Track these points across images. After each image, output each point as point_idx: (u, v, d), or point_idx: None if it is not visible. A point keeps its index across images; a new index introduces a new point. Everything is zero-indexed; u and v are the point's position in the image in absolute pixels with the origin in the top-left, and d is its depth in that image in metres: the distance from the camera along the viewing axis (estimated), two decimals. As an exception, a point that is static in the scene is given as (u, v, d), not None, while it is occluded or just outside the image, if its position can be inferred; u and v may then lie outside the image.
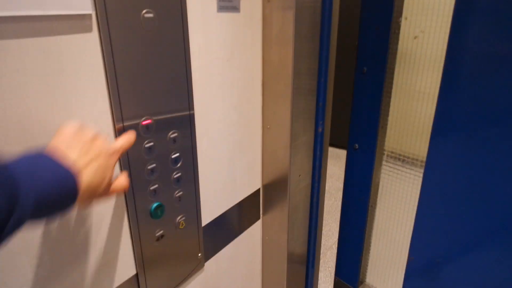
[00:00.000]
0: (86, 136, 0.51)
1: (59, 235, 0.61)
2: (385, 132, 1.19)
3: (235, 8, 0.86)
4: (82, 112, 0.60)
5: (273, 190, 1.13)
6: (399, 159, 1.17)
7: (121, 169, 0.68)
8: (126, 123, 0.67)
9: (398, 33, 1.00)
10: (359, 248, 1.39)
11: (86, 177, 0.46)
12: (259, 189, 1.13)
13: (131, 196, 0.71)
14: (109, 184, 0.54)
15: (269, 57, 0.98)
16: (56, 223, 0.60)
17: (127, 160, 0.68)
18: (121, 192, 0.69)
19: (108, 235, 0.70)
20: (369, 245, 1.40)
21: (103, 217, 0.68)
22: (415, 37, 0.94)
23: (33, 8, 0.50)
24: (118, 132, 0.66)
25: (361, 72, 1.15)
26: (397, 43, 1.03)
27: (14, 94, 0.51)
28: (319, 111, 1.11)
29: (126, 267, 0.74)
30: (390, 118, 1.15)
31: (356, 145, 1.24)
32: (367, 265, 1.44)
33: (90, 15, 0.57)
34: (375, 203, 1.32)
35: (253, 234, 1.16)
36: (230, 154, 0.97)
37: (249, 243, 1.15)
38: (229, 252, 1.06)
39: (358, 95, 1.19)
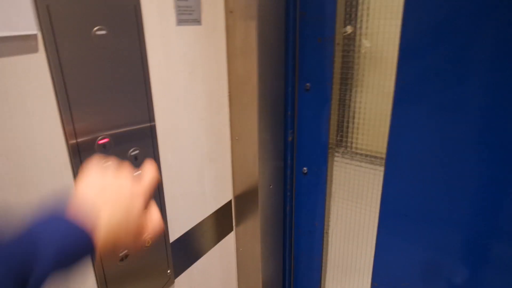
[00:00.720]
0: (108, 177, 0.47)
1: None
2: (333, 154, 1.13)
3: (196, 21, 0.86)
4: (32, 132, 0.58)
5: (244, 201, 1.12)
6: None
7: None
8: (80, 139, 0.65)
9: (342, 45, 0.96)
10: (318, 277, 1.31)
11: (105, 223, 0.43)
12: (230, 201, 1.11)
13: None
14: (140, 228, 0.47)
15: (234, 68, 0.97)
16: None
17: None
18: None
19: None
20: (325, 275, 1.33)
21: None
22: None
23: (-31, 31, 0.48)
24: (72, 150, 0.64)
25: (302, 89, 1.07)
26: (341, 56, 0.97)
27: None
28: (288, 120, 1.11)
29: (88, 290, 0.72)
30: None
31: (305, 168, 1.17)
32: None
33: (35, 35, 0.55)
34: (329, 231, 1.25)
35: (226, 246, 1.14)
36: (198, 167, 0.96)
37: (222, 256, 1.14)
38: (202, 265, 1.05)
39: (302, 113, 1.10)
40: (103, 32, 0.65)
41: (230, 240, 1.15)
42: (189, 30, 0.84)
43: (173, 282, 0.94)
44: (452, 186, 0.89)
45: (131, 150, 0.75)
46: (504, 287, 0.91)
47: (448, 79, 0.82)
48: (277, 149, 1.11)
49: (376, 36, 0.90)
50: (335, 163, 1.13)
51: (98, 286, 0.74)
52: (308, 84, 1.04)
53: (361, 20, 0.92)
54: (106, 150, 0.70)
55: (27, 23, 0.54)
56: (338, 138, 1.08)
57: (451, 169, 0.88)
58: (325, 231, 1.23)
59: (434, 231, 0.96)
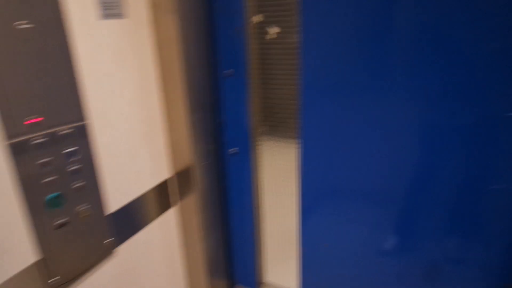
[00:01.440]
0: None
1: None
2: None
3: (120, 15, 0.96)
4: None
5: (182, 179, 1.24)
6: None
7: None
8: (17, 140, 0.75)
9: (255, 33, 1.09)
10: (252, 251, 1.44)
11: None
12: (169, 178, 1.23)
13: (24, 186, 0.79)
14: None
15: (160, 57, 1.09)
16: None
17: (15, 149, 0.76)
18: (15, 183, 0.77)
19: (2, 225, 0.77)
20: (260, 245, 1.46)
21: (-3, 209, 0.75)
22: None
23: None
24: (13, 152, 0.73)
25: (223, 75, 1.20)
26: (256, 43, 1.12)
27: None
28: (217, 104, 1.23)
29: (26, 254, 0.82)
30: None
31: (234, 149, 1.30)
32: (262, 265, 1.51)
33: (-40, 28, 0.65)
34: (259, 204, 1.40)
35: (167, 220, 1.26)
36: (133, 146, 1.06)
37: (164, 229, 1.25)
38: (143, 237, 1.16)
39: (226, 97, 1.23)
40: (26, 26, 0.74)
41: (171, 214, 1.27)
42: (114, 23, 0.94)
43: (111, 252, 1.04)
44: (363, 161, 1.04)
45: (63, 127, 0.85)
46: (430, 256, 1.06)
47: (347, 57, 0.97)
48: (208, 130, 1.24)
49: (282, 24, 1.04)
50: (259, 142, 1.26)
51: (39, 251, 0.84)
52: (231, 70, 1.17)
53: (269, 10, 1.05)
54: (37, 129, 0.80)
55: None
56: (260, 118, 1.22)
57: (358, 144, 1.03)
58: (255, 205, 1.37)
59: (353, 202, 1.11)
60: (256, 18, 1.06)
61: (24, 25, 0.74)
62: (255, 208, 1.38)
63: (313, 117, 1.06)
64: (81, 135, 0.89)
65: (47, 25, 0.78)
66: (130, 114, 1.03)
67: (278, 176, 1.29)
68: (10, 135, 0.75)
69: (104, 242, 1.01)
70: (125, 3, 0.96)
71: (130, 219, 1.10)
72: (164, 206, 1.24)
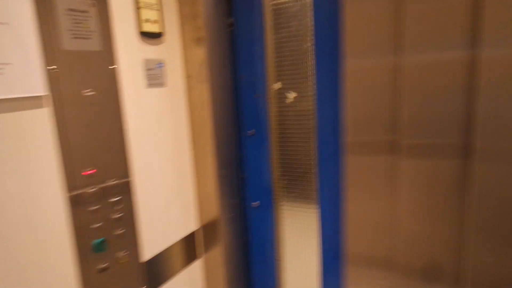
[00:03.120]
0: None
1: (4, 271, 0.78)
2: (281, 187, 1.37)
3: (162, 84, 1.14)
4: (38, 183, 0.80)
5: (209, 231, 1.32)
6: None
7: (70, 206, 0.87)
8: (75, 192, 0.88)
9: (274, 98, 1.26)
10: None
11: None
12: (196, 230, 1.31)
13: (76, 231, 0.89)
14: None
15: (193, 119, 1.24)
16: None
17: (72, 197, 0.87)
18: (66, 229, 0.87)
19: (55, 267, 0.86)
20: None
21: (50, 250, 0.85)
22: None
23: (3, 93, 0.73)
24: (70, 201, 0.86)
25: (246, 135, 1.35)
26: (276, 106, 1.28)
27: (-13, 153, 0.71)
28: (240, 160, 1.36)
29: (74, 294, 0.89)
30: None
31: (256, 203, 1.39)
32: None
33: (46, 96, 0.81)
34: (280, 257, 1.43)
35: (194, 271, 1.32)
36: (166, 199, 1.17)
37: (191, 279, 1.30)
38: (172, 286, 1.21)
39: (248, 154, 1.37)
40: (91, 93, 0.91)
41: (197, 265, 1.33)
42: (156, 91, 1.11)
43: (145, 298, 1.10)
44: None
45: (111, 180, 0.97)
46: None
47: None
48: (233, 184, 1.35)
49: (299, 90, 1.21)
50: (279, 196, 1.36)
51: (82, 291, 0.91)
52: (252, 130, 1.32)
53: (287, 78, 1.22)
54: (92, 180, 0.92)
55: (38, 87, 0.79)
56: (280, 174, 1.34)
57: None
58: (276, 258, 1.43)
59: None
60: (276, 86, 1.24)
61: (88, 92, 0.90)
62: (276, 261, 1.43)
63: (330, 179, 1.18)
64: (125, 187, 1.01)
65: (105, 92, 0.94)
66: (165, 169, 1.16)
67: (300, 230, 1.37)
68: (70, 188, 0.87)
69: (139, 288, 1.07)
70: (165, 75, 1.14)
71: (161, 269, 1.17)
72: (190, 257, 1.31)
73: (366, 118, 1.07)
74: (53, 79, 0.82)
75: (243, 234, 1.44)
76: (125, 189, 1.01)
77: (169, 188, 1.18)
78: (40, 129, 0.80)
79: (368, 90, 1.05)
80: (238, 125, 1.34)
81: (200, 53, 1.19)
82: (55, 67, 0.82)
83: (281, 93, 1.25)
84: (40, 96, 0.80)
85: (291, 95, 1.23)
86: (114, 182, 0.98)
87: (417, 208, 1.07)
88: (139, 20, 1.03)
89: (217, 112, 1.24)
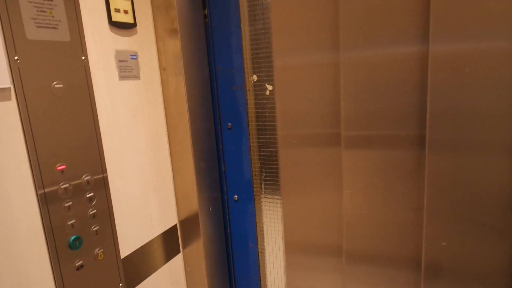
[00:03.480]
0: None
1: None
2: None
3: (136, 77, 1.11)
4: (6, 180, 0.77)
5: (188, 225, 1.31)
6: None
7: (39, 203, 0.84)
8: (47, 190, 0.84)
9: (253, 90, 1.25)
10: None
11: None
12: (175, 225, 1.29)
13: (49, 229, 0.86)
14: None
15: (170, 112, 1.22)
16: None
17: (44, 195, 0.84)
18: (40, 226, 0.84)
19: (29, 266, 0.83)
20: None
21: (24, 249, 0.82)
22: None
23: (-37, 85, 0.69)
24: (42, 198, 0.83)
25: (225, 127, 1.34)
26: (253, 99, 1.27)
27: None
28: (220, 154, 1.34)
29: (48, 294, 0.87)
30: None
31: (236, 196, 1.39)
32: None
33: (9, 88, 0.77)
34: (263, 251, 1.44)
35: (175, 266, 1.30)
36: (144, 193, 1.15)
37: (172, 275, 1.28)
38: (152, 282, 1.19)
39: (227, 148, 1.36)
40: (60, 85, 0.88)
41: (178, 260, 1.31)
42: (130, 83, 1.09)
43: (125, 295, 1.08)
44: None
45: (84, 175, 0.94)
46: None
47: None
48: (212, 178, 1.33)
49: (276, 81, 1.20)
50: (258, 189, 1.36)
51: (57, 290, 0.88)
52: (229, 124, 1.31)
53: (264, 71, 1.21)
54: (63, 176, 0.89)
55: (2, 78, 0.76)
56: (259, 168, 1.33)
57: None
58: (259, 251, 1.42)
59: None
60: (253, 78, 1.22)
61: (57, 85, 0.87)
62: (258, 253, 1.43)
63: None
64: (100, 182, 0.98)
65: (75, 85, 0.91)
66: (142, 164, 1.14)
67: (280, 221, 1.36)
68: (41, 184, 0.84)
69: (119, 286, 1.05)
70: (139, 67, 1.12)
71: (140, 265, 1.15)
72: (171, 252, 1.29)
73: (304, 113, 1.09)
74: (17, 70, 0.78)
75: (224, 227, 1.42)
76: (100, 185, 0.99)
77: (146, 183, 1.16)
78: (5, 123, 0.77)
79: (305, 86, 1.07)
80: (216, 118, 1.32)
81: (174, 45, 1.17)
82: (19, 58, 0.79)
83: (259, 85, 1.24)
84: (5, 88, 0.76)
85: (269, 87, 1.22)
86: (88, 178, 0.95)
87: (365, 196, 1.10)
88: (109, 10, 1.00)
89: (194, 105, 1.22)
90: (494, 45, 0.88)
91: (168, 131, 1.24)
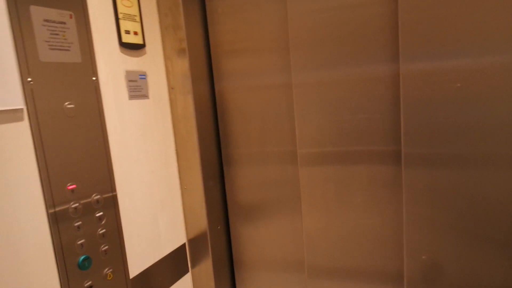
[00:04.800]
0: None
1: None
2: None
3: (145, 96, 1.12)
4: (17, 199, 0.77)
5: (197, 244, 1.29)
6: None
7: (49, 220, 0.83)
8: (57, 209, 0.85)
9: None
10: None
11: None
12: (184, 244, 1.28)
13: (59, 248, 0.86)
14: None
15: (178, 131, 1.23)
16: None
17: (54, 214, 0.84)
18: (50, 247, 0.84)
19: (38, 286, 0.82)
20: None
21: (34, 269, 0.81)
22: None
23: (-22, 107, 0.70)
24: (52, 218, 0.83)
25: None
26: None
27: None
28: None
29: (57, 315, 0.85)
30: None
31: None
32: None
33: (21, 109, 0.79)
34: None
35: (183, 286, 1.28)
36: (152, 212, 1.15)
37: (180, 296, 1.27)
38: (161, 304, 1.17)
39: None
40: (72, 105, 0.89)
41: (187, 279, 1.29)
42: (139, 103, 1.10)
43: (134, 317, 1.06)
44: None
45: (94, 194, 0.94)
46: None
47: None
48: (220, 195, 1.33)
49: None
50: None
51: (66, 311, 0.87)
52: (239, 139, 1.31)
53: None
54: (74, 195, 0.89)
55: (16, 100, 0.77)
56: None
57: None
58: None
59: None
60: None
61: (68, 105, 0.89)
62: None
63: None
64: (109, 201, 0.98)
65: (86, 105, 0.93)
66: (151, 183, 1.14)
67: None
68: (51, 204, 0.84)
69: (126, 306, 1.03)
70: (148, 86, 1.13)
71: (149, 285, 1.13)
72: (180, 271, 1.27)
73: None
74: (30, 92, 0.80)
75: (233, 246, 1.41)
76: (109, 204, 0.99)
77: (155, 202, 1.16)
78: (18, 143, 0.78)
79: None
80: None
81: (183, 64, 1.19)
82: (32, 79, 0.80)
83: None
84: (18, 109, 0.78)
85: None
86: (98, 197, 0.95)
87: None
88: (119, 31, 1.02)
89: (202, 124, 1.22)
90: (461, 63, 0.93)
91: (176, 150, 1.24)
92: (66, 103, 0.88)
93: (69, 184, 0.88)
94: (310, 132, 1.13)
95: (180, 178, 1.26)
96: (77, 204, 0.90)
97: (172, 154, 1.23)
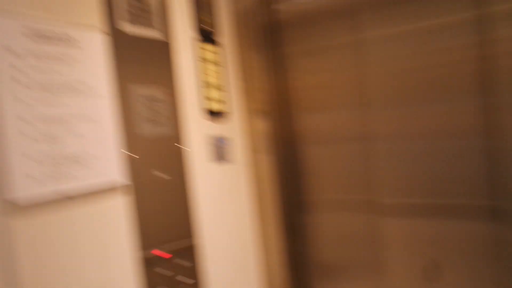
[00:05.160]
0: None
1: None
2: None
3: (228, 159, 1.15)
4: (114, 263, 0.81)
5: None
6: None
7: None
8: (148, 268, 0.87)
9: None
10: None
11: None
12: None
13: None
14: None
15: (258, 192, 1.22)
16: None
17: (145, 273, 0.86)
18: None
19: None
20: None
21: None
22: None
23: (88, 183, 0.77)
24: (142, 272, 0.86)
25: None
26: None
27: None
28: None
29: None
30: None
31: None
32: None
33: (122, 182, 0.84)
34: None
35: None
36: (231, 274, 1.13)
37: None
38: None
39: None
40: (162, 174, 0.93)
41: None
42: (222, 166, 1.12)
43: None
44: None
45: (178, 253, 0.96)
46: None
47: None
48: (299, 257, 1.27)
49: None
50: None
51: None
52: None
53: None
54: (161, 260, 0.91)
55: (115, 175, 0.83)
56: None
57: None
58: None
59: None
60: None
61: (160, 173, 0.93)
62: None
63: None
64: (192, 260, 0.99)
65: (175, 172, 0.97)
66: (230, 242, 1.13)
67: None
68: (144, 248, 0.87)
69: None
70: (230, 150, 1.16)
71: None
72: None
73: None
74: (129, 165, 0.86)
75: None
76: (192, 262, 0.99)
77: (233, 261, 1.14)
78: (117, 213, 0.83)
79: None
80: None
81: (264, 126, 1.21)
82: (132, 154, 0.86)
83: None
84: (118, 182, 0.83)
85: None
86: (184, 260, 0.96)
87: None
88: (206, 101, 1.07)
89: (283, 185, 1.21)
90: None
91: (256, 211, 1.23)
92: (159, 172, 0.93)
93: (158, 249, 0.91)
94: (394, 182, 1.03)
95: (258, 239, 1.23)
96: (167, 271, 0.92)
97: (252, 216, 1.22)
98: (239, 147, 1.20)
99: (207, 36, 1.10)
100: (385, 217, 1.09)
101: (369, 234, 1.13)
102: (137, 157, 0.88)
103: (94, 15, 0.81)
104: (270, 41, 1.23)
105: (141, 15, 0.91)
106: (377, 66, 1.07)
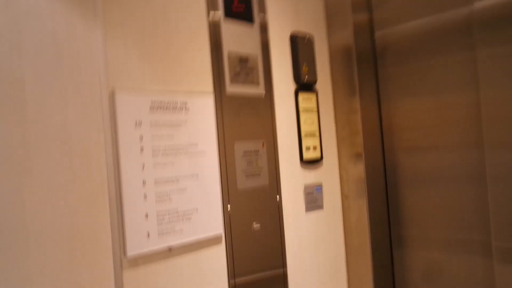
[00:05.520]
0: None
1: None
2: None
3: (319, 207, 1.14)
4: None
5: None
6: None
7: None
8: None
9: None
10: None
11: None
12: None
13: None
14: None
15: (350, 241, 1.19)
16: None
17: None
18: None
19: None
20: None
21: None
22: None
23: (190, 236, 0.82)
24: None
25: None
26: None
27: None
28: (403, 286, 1.21)
29: None
30: None
31: None
32: None
33: (221, 234, 0.88)
34: None
35: None
36: (322, 328, 1.11)
37: None
38: None
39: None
40: (258, 225, 0.96)
41: None
42: (314, 214, 1.12)
43: None
44: None
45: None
46: None
47: None
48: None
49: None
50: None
51: None
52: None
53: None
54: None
55: (217, 227, 0.88)
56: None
57: None
58: None
59: None
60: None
61: (255, 224, 0.96)
62: None
63: None
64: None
65: (269, 222, 0.99)
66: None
67: None
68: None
69: None
70: (323, 197, 1.15)
71: None
72: None
73: None
74: (228, 218, 0.90)
75: None
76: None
77: (324, 316, 1.12)
78: (215, 264, 0.87)
79: None
80: (399, 249, 1.22)
81: (358, 171, 1.17)
82: (231, 206, 0.91)
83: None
84: (217, 234, 0.88)
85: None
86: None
87: None
88: (301, 149, 1.08)
89: (376, 234, 1.16)
90: None
91: (347, 260, 1.20)
92: (254, 223, 0.95)
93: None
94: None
95: (350, 283, 1.20)
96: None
97: (343, 265, 1.19)
98: (331, 193, 1.18)
99: (305, 84, 1.11)
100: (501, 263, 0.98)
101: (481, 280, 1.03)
102: (232, 208, 0.92)
103: (206, 81, 0.87)
104: (367, 76, 1.19)
105: (245, 74, 0.95)
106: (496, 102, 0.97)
